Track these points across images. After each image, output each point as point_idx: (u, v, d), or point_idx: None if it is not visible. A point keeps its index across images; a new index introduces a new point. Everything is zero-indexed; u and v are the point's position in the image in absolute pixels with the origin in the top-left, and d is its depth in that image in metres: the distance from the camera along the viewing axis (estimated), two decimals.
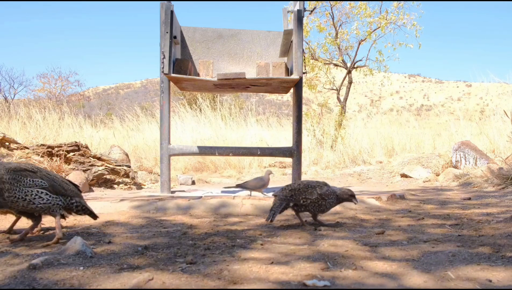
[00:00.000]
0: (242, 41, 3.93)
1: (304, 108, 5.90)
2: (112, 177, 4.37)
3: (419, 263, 1.47)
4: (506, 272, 1.34)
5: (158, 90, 3.67)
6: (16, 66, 30.42)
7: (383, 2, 9.59)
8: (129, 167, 4.73)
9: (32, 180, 1.78)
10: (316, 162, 8.08)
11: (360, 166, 7.44)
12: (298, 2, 3.44)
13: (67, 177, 3.48)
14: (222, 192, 3.60)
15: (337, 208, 2.77)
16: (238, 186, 3.30)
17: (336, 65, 10.35)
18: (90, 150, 4.65)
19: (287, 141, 8.03)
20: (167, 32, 3.17)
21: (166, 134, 3.51)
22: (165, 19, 3.19)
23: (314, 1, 9.44)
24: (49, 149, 4.25)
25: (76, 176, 3.80)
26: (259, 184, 3.25)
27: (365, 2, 9.57)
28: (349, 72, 9.97)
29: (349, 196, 2.27)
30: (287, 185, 2.27)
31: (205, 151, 3.79)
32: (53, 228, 2.11)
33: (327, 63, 10.20)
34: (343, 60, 10.06)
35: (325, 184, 2.26)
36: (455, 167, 5.61)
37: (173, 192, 3.62)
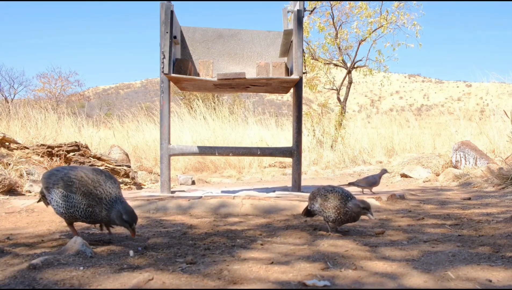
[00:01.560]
0: (242, 41, 3.92)
1: (304, 108, 5.90)
2: None
3: (419, 263, 1.47)
4: (506, 272, 1.34)
5: (158, 90, 3.67)
6: (16, 66, 30.47)
7: (384, 2, 9.60)
8: (129, 167, 4.73)
9: None
10: (316, 162, 8.09)
11: (360, 166, 7.45)
12: (298, 2, 3.44)
13: None
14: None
15: None
16: (350, 184, 3.35)
17: (336, 65, 10.36)
18: (90, 150, 4.65)
19: (287, 141, 8.03)
20: (167, 32, 3.17)
21: (166, 134, 3.51)
22: (165, 19, 3.19)
23: (314, 1, 9.44)
24: (49, 149, 4.25)
25: None
26: (370, 182, 3.27)
27: (365, 2, 9.58)
28: (349, 72, 9.97)
29: (361, 209, 1.92)
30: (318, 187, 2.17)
31: (205, 151, 3.79)
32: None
33: (327, 63, 10.21)
34: (343, 60, 10.07)
35: (337, 196, 1.95)
36: (455, 167, 5.61)
37: (173, 192, 3.62)
